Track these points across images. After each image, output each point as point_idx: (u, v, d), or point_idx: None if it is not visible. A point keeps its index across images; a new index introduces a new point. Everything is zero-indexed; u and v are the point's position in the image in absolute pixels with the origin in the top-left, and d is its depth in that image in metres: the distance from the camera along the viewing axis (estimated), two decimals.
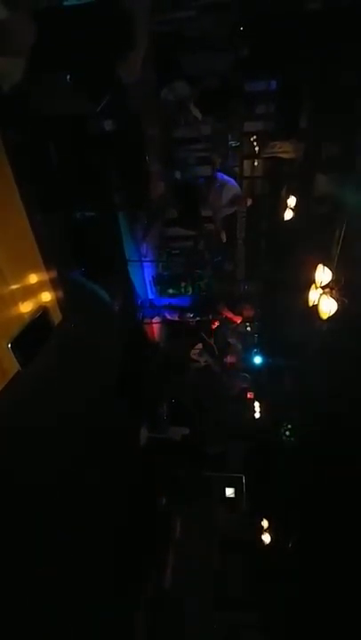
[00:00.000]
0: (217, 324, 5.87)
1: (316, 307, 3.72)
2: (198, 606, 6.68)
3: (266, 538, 7.48)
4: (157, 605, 6.10)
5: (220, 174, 5.27)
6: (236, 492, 8.72)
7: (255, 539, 7.49)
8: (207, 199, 5.16)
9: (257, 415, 8.66)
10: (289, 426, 6.96)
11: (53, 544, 2.89)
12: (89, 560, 3.69)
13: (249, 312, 6.08)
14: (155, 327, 6.45)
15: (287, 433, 6.77)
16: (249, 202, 5.66)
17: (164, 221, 6.79)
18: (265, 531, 7.59)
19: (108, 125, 3.51)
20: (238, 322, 5.98)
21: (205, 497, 7.89)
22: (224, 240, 5.86)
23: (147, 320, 6.05)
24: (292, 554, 6.63)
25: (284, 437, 7.10)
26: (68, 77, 2.48)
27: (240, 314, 5.75)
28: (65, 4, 2.51)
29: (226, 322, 5.91)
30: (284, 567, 6.42)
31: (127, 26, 2.47)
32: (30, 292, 1.81)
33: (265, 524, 7.67)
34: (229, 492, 8.72)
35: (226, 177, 5.25)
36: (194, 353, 6.24)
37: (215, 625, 6.53)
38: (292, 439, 6.98)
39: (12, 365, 1.62)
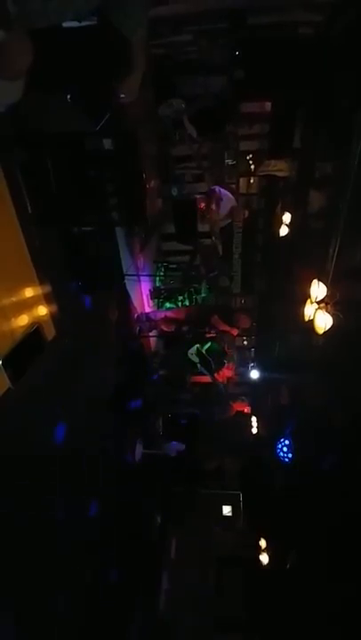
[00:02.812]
0: (213, 335, 5.83)
1: (311, 321, 3.73)
2: (195, 627, 6.47)
3: (264, 557, 7.29)
4: (151, 626, 5.90)
5: (217, 187, 5.35)
6: (233, 510, 8.55)
7: (253, 558, 7.31)
8: (205, 212, 5.21)
9: (254, 430, 8.56)
10: (286, 441, 6.86)
11: (47, 560, 2.80)
12: (83, 578, 3.57)
13: (246, 323, 6.01)
14: (152, 341, 6.42)
15: (284, 449, 6.67)
16: (245, 214, 5.72)
17: (160, 236, 6.85)
18: (263, 550, 7.40)
19: (108, 144, 3.57)
20: (235, 334, 5.93)
21: (202, 515, 7.74)
22: (220, 253, 5.90)
23: (143, 334, 6.03)
24: (290, 574, 6.46)
25: (281, 453, 7.00)
26: (68, 97, 2.53)
27: (236, 326, 5.70)
28: (65, 25, 2.58)
29: (222, 335, 5.88)
30: (284, 587, 6.24)
31: (126, 47, 2.54)
32: (24, 307, 1.80)
33: (263, 543, 7.49)
34: (226, 509, 8.55)
35: (223, 190, 5.33)
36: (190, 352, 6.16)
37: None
38: (289, 455, 6.88)
39: (3, 382, 1.59)
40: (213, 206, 5.13)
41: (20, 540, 2.49)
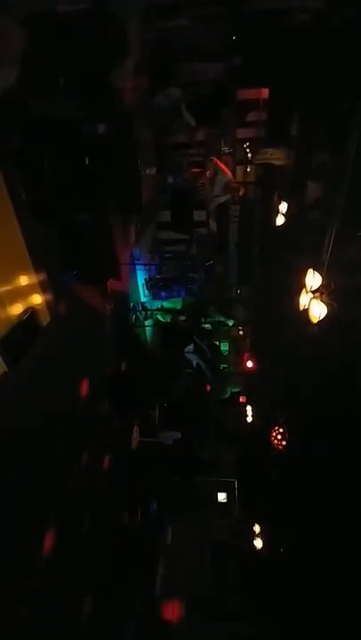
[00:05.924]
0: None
1: (306, 311, 3.76)
2: (190, 616, 6.59)
3: (258, 543, 7.46)
4: (149, 615, 6.03)
5: (215, 160, 5.25)
6: (228, 497, 8.69)
7: (249, 544, 7.45)
8: (199, 187, 5.12)
9: (249, 419, 8.68)
10: (281, 430, 6.97)
11: (42, 550, 2.85)
12: (79, 569, 3.64)
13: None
14: (147, 330, 6.45)
15: (278, 437, 6.78)
16: (241, 191, 5.61)
17: (157, 225, 6.81)
18: (257, 536, 7.57)
19: (101, 129, 3.53)
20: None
21: (197, 502, 7.85)
22: (214, 230, 5.79)
23: (139, 323, 6.05)
24: (284, 559, 6.60)
25: (275, 441, 7.11)
26: (62, 81, 2.51)
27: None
28: (60, 10, 2.54)
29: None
30: (278, 573, 6.38)
31: (120, 32, 2.51)
32: (19, 293, 1.81)
33: (257, 528, 7.65)
34: (221, 497, 8.70)
35: (221, 164, 5.24)
36: (186, 351, 6.20)
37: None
38: (283, 442, 7.00)
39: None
40: (207, 182, 5.04)
41: (19, 529, 2.53)
